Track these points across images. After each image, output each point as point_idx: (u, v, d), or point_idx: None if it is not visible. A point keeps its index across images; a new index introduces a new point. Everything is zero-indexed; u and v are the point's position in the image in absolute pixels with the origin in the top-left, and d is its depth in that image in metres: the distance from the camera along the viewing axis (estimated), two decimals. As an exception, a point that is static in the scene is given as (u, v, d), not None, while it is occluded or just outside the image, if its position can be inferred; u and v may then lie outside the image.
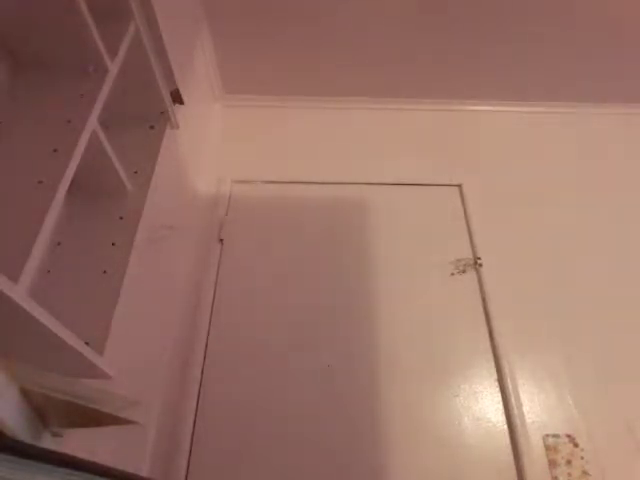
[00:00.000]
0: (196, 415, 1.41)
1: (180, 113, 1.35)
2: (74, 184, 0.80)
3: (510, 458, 1.36)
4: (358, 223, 1.81)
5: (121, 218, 1.01)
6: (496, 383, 1.48)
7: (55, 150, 0.77)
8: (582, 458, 1.37)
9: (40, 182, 0.73)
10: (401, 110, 2.15)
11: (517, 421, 1.41)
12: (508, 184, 1.93)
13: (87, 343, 0.78)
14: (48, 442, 0.70)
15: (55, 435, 0.71)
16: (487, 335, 1.56)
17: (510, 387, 1.46)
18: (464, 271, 1.70)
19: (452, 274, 1.69)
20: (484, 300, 1.63)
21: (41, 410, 0.65)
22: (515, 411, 1.42)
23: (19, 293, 0.58)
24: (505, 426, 1.41)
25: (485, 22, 1.78)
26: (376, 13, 1.74)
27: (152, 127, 1.23)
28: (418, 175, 1.94)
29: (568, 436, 1.40)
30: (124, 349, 0.93)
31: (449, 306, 1.62)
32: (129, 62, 1.03)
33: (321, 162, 1.98)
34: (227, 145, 2.02)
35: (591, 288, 1.68)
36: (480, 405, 1.44)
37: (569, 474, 1.34)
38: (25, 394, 0.61)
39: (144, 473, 1.13)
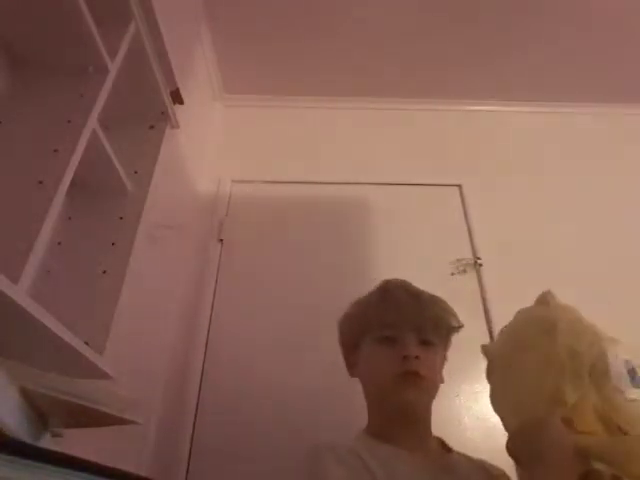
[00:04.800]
0: (196, 415, 1.41)
1: (180, 113, 1.35)
2: (74, 184, 0.80)
3: (510, 458, 1.36)
4: (358, 223, 1.81)
5: (121, 218, 1.01)
6: (496, 383, 1.48)
7: (55, 150, 0.77)
8: (582, 458, 1.37)
9: (40, 182, 0.72)
10: (401, 110, 2.15)
11: (517, 421, 1.41)
12: (508, 184, 1.93)
13: (87, 343, 0.78)
14: (48, 442, 0.70)
15: (55, 435, 0.71)
16: (487, 335, 1.56)
17: (510, 387, 1.46)
18: (464, 271, 1.70)
19: (452, 274, 1.69)
20: (484, 300, 1.63)
21: (41, 410, 0.65)
22: (515, 411, 1.42)
23: (19, 293, 0.58)
24: (505, 426, 1.41)
25: (485, 22, 1.78)
26: (376, 13, 1.74)
27: (152, 127, 1.23)
28: (418, 175, 1.94)
29: (568, 436, 1.40)
30: (124, 349, 0.93)
31: (449, 306, 1.62)
32: (129, 62, 1.03)
33: (321, 162, 1.98)
34: (227, 145, 2.02)
35: (591, 288, 1.68)
36: (480, 405, 1.44)
37: (569, 474, 1.34)
38: (25, 394, 0.61)
39: (144, 473, 1.13)
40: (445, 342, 0.89)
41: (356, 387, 0.98)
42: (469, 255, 1.74)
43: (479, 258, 1.71)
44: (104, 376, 0.82)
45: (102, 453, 0.67)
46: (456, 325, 0.90)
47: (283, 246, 1.74)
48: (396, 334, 0.82)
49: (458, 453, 0.85)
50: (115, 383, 0.85)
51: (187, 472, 1.32)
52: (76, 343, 0.71)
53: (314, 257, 1.72)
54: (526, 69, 2.00)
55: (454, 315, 0.91)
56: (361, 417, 0.92)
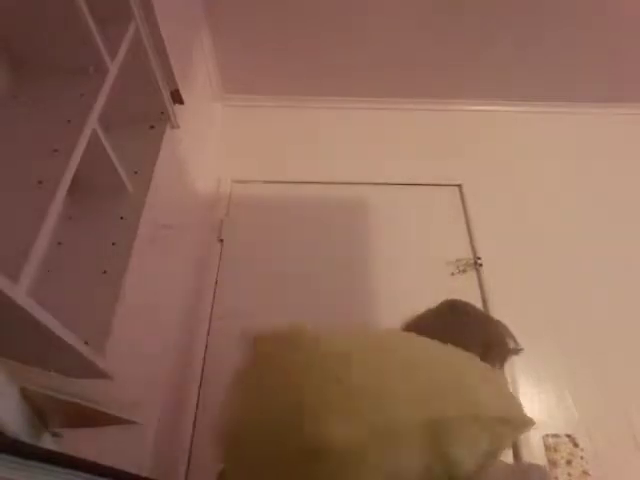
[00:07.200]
0: (196, 415, 1.41)
1: (180, 113, 1.35)
2: (74, 184, 0.79)
3: (510, 458, 1.36)
4: (358, 223, 1.81)
5: (121, 218, 1.01)
6: (496, 383, 1.48)
7: (55, 150, 0.77)
8: (582, 458, 1.37)
9: (40, 182, 0.72)
10: (401, 110, 2.15)
11: (517, 421, 1.41)
12: (508, 184, 1.93)
13: (87, 343, 0.78)
14: (48, 442, 0.70)
15: (55, 435, 0.71)
16: (487, 335, 1.56)
17: (510, 387, 1.46)
18: (464, 271, 1.70)
19: (452, 274, 1.69)
20: (484, 300, 1.63)
21: (41, 410, 0.65)
22: (515, 411, 1.42)
23: (19, 293, 0.58)
24: (505, 426, 1.41)
25: (485, 22, 1.78)
26: (377, 13, 1.74)
27: (152, 127, 1.23)
28: (418, 175, 1.94)
29: (568, 436, 1.40)
30: (124, 349, 0.93)
31: (449, 306, 1.62)
32: (129, 62, 1.03)
33: (321, 162, 1.98)
34: (227, 145, 2.02)
35: (591, 288, 1.68)
36: (480, 405, 1.44)
37: (569, 474, 1.34)
38: (25, 394, 0.61)
39: (144, 473, 1.13)
40: None
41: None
42: (469, 255, 1.74)
43: (479, 258, 1.71)
44: (104, 376, 0.82)
45: (102, 453, 0.67)
46: None
47: (283, 246, 1.74)
48: None
49: None
50: (115, 383, 0.85)
51: (187, 472, 1.32)
52: (76, 343, 0.71)
53: (314, 257, 1.72)
54: (526, 69, 2.00)
55: None
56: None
